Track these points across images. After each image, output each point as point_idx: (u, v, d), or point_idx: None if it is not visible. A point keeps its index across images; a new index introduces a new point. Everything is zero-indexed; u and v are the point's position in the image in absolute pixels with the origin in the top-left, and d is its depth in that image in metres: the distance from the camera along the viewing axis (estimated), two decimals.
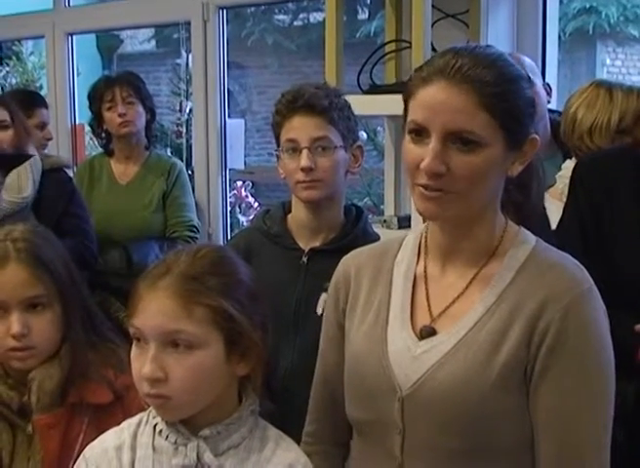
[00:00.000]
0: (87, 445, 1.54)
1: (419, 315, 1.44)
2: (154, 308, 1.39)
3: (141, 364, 1.38)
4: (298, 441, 1.65)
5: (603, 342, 1.35)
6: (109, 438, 1.51)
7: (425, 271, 1.47)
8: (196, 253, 1.45)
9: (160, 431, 1.46)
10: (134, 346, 1.42)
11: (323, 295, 2.04)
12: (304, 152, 2.05)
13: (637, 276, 1.89)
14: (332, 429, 1.58)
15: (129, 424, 1.51)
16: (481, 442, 1.34)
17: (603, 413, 1.35)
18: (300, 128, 2.06)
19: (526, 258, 1.40)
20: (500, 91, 1.32)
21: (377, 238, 2.14)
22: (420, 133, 1.34)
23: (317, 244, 2.12)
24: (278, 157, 2.15)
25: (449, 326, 1.40)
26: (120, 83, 3.55)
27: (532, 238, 1.44)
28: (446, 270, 1.45)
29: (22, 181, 2.82)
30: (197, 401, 1.41)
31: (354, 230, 2.12)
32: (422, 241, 1.50)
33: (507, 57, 1.40)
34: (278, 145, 2.14)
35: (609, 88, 2.59)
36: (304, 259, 2.11)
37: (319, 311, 2.05)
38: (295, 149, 2.07)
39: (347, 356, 1.50)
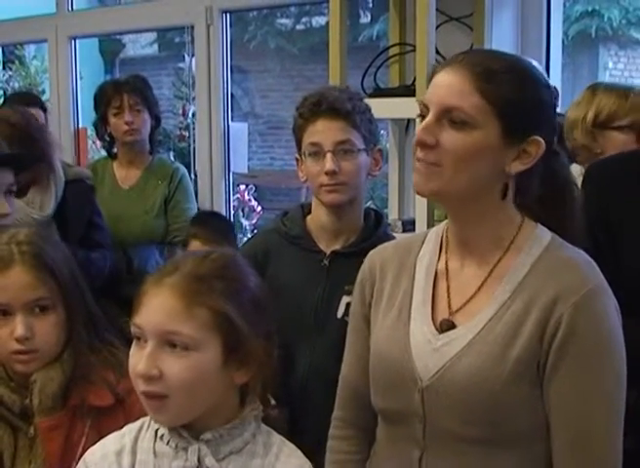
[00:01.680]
0: (89, 447, 1.55)
1: (439, 309, 1.49)
2: (156, 304, 1.40)
3: (138, 361, 1.39)
4: (315, 439, 1.66)
5: (614, 336, 1.38)
6: (110, 442, 1.51)
7: (447, 266, 1.52)
8: (206, 256, 1.46)
9: (162, 436, 1.46)
10: (133, 344, 1.43)
11: (344, 299, 2.06)
12: (328, 156, 2.05)
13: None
14: (358, 415, 1.63)
15: (130, 429, 1.51)
16: (498, 431, 1.40)
17: (615, 404, 1.38)
18: (324, 131, 2.06)
19: (540, 254, 1.44)
20: (500, 80, 1.39)
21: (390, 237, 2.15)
22: (424, 112, 1.43)
23: (338, 247, 2.12)
24: (297, 160, 2.16)
25: (467, 319, 1.45)
26: (129, 89, 3.52)
27: (548, 235, 1.47)
28: (464, 265, 1.50)
29: (45, 197, 2.79)
30: (193, 404, 1.40)
31: (376, 233, 2.13)
32: (444, 236, 1.55)
33: (528, 63, 1.48)
34: (299, 149, 2.14)
35: (595, 87, 2.64)
36: (326, 262, 2.11)
37: (339, 314, 2.06)
38: (318, 153, 2.07)
39: (372, 348, 1.55)
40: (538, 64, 2.87)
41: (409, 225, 2.95)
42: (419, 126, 1.45)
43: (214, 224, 3.24)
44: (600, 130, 2.58)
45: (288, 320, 2.05)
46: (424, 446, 1.46)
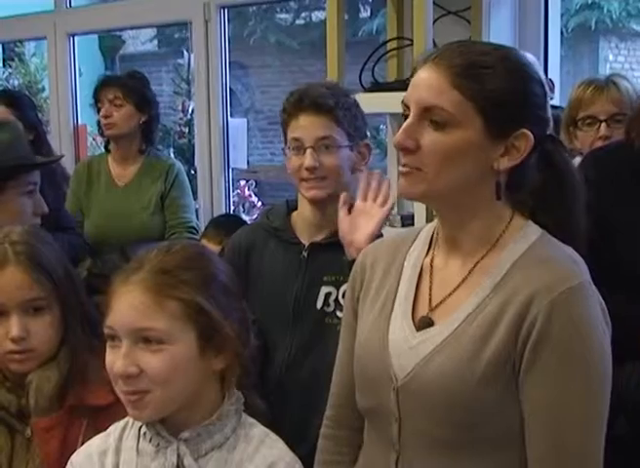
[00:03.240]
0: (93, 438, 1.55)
1: (420, 305, 1.45)
2: (125, 304, 1.40)
3: (114, 360, 1.39)
4: (294, 429, 1.65)
5: (593, 338, 1.31)
6: (95, 443, 1.51)
7: (432, 262, 1.48)
8: (170, 249, 1.46)
9: (144, 434, 1.46)
10: (107, 346, 1.42)
11: (323, 289, 2.07)
12: (308, 151, 2.06)
13: (636, 263, 1.88)
14: (348, 415, 1.58)
15: (115, 427, 1.51)
16: (472, 434, 1.34)
17: (592, 411, 1.32)
18: (306, 127, 2.07)
19: (524, 251, 1.38)
20: (479, 74, 1.34)
21: (380, 234, 2.14)
22: (407, 112, 1.39)
23: (320, 238, 2.13)
24: (285, 153, 2.17)
25: (445, 317, 1.40)
26: (111, 84, 3.52)
27: (536, 231, 1.41)
28: (449, 261, 1.46)
29: None
30: (174, 396, 1.40)
31: None
32: (435, 232, 1.51)
33: (514, 55, 1.40)
34: (286, 142, 2.15)
35: (581, 82, 2.69)
36: (305, 254, 2.12)
37: (319, 305, 2.07)
38: (299, 148, 2.08)
39: (356, 344, 1.52)
40: (535, 57, 2.89)
41: (408, 220, 2.94)
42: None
43: (227, 226, 3.24)
44: (573, 128, 2.63)
45: (269, 311, 2.09)
46: (400, 447, 1.41)
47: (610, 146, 2.26)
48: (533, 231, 1.42)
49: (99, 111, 3.54)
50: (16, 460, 1.67)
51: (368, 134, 2.23)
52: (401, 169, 1.39)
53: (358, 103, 2.15)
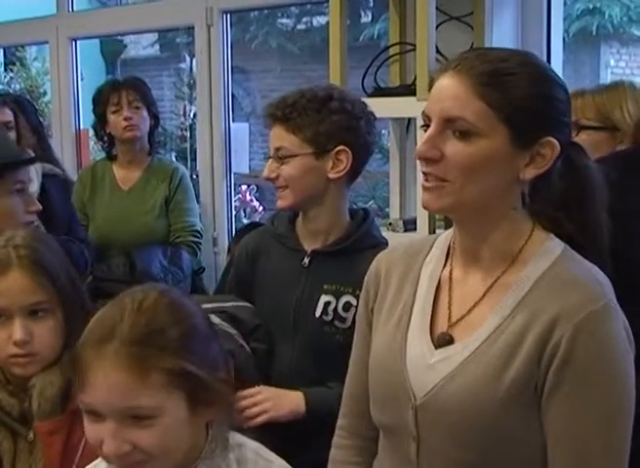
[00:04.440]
0: (88, 451, 1.51)
1: (439, 320, 1.42)
2: (104, 382, 1.27)
3: (99, 435, 1.28)
4: (296, 437, 1.62)
5: (617, 361, 1.29)
6: None
7: (451, 275, 1.44)
8: (140, 307, 1.31)
9: None
10: (86, 418, 1.31)
11: (322, 298, 2.06)
12: (268, 162, 2.08)
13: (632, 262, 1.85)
14: (361, 425, 1.55)
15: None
16: (494, 456, 1.32)
17: (616, 437, 1.29)
18: (271, 137, 2.08)
19: (547, 269, 1.35)
20: (502, 82, 1.30)
21: (383, 241, 2.13)
22: (427, 122, 1.36)
23: (318, 246, 2.11)
24: None
25: (465, 335, 1.37)
26: (127, 87, 3.55)
27: (559, 247, 1.38)
28: (468, 275, 1.42)
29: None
30: (172, 459, 1.33)
31: (356, 233, 2.10)
32: (452, 242, 1.47)
33: (535, 60, 1.38)
34: None
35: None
36: (306, 261, 2.10)
37: (317, 313, 2.06)
38: (269, 157, 2.10)
39: (371, 355, 1.49)
40: None
41: (410, 224, 2.94)
42: (419, 133, 1.40)
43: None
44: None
45: (270, 319, 2.09)
46: (418, 466, 1.38)
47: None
48: (555, 245, 1.38)
49: (102, 113, 3.55)
50: (18, 464, 1.67)
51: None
52: (425, 183, 1.35)
53: (346, 107, 2.04)
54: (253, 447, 1.43)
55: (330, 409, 1.67)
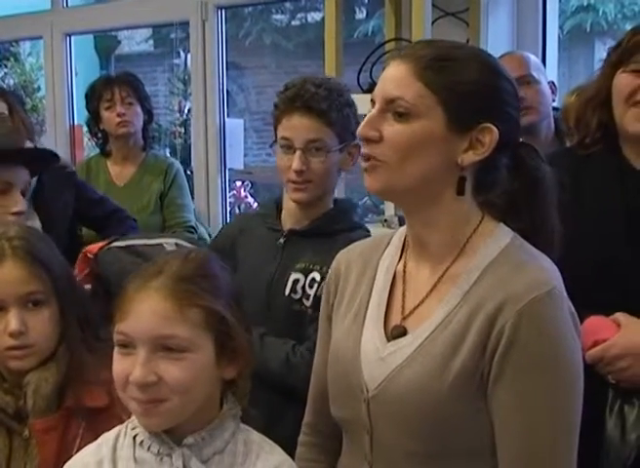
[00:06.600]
0: (84, 448, 1.52)
1: (393, 313, 1.43)
2: (147, 309, 1.36)
3: (128, 368, 1.35)
4: (269, 415, 1.63)
5: (563, 346, 1.29)
6: (88, 453, 1.48)
7: (405, 268, 1.46)
8: (187, 256, 1.44)
9: (141, 442, 1.43)
10: (117, 353, 1.39)
11: (292, 276, 2.07)
12: (297, 153, 2.05)
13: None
14: (325, 422, 1.56)
15: (106, 439, 1.48)
16: (444, 446, 1.33)
17: (563, 421, 1.30)
18: (296, 128, 2.05)
19: (495, 257, 1.36)
20: (443, 67, 1.34)
21: (361, 226, 2.17)
22: (374, 106, 1.39)
23: (298, 227, 2.14)
24: (272, 148, 2.16)
25: (415, 327, 1.38)
26: (119, 83, 3.55)
27: (508, 235, 1.39)
28: (420, 267, 1.43)
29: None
30: (189, 405, 1.38)
31: (333, 214, 2.14)
32: (406, 237, 1.49)
33: (482, 52, 1.42)
34: (276, 138, 2.13)
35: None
36: (282, 240, 2.13)
37: (287, 292, 2.07)
38: (289, 147, 2.07)
39: (330, 351, 1.51)
40: (537, 59, 2.90)
41: (405, 221, 2.93)
42: None
43: None
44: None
45: (247, 295, 2.08)
46: (372, 459, 1.40)
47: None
48: (504, 234, 1.39)
49: (95, 109, 3.54)
50: (13, 461, 1.66)
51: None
52: (362, 164, 1.38)
53: (352, 102, 2.12)
54: (257, 434, 1.48)
55: None
